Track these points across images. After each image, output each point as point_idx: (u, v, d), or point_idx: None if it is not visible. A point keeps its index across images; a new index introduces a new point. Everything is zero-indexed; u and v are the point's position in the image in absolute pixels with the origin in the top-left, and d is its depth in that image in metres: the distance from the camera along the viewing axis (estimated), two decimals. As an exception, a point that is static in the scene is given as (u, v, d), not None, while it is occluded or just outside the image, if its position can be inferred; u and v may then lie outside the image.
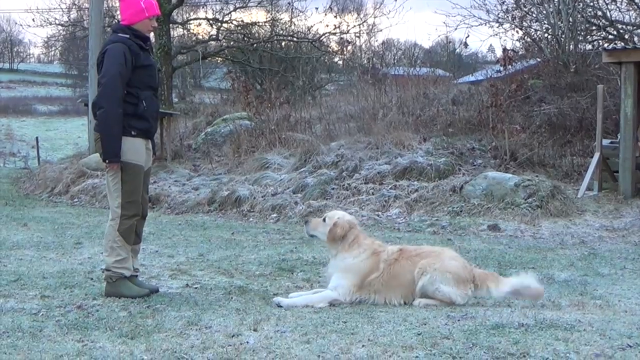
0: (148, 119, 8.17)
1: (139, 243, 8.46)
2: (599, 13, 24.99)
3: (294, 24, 36.35)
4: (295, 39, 34.56)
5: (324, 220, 8.10)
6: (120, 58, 7.92)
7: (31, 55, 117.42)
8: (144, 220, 8.50)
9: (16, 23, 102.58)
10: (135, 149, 8.07)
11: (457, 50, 43.88)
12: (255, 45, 33.74)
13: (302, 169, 17.56)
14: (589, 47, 24.82)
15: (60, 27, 37.07)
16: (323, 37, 34.30)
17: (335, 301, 7.69)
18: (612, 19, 24.77)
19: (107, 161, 7.96)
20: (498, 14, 26.48)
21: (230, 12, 34.18)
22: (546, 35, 25.22)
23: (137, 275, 8.39)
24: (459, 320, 6.99)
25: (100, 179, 20.40)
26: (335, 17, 34.38)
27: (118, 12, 35.19)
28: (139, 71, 8.07)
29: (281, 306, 7.59)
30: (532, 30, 26.57)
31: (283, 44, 35.00)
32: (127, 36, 8.12)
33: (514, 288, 7.75)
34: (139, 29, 8.23)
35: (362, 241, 7.95)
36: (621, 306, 7.77)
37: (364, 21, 39.35)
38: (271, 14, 35.84)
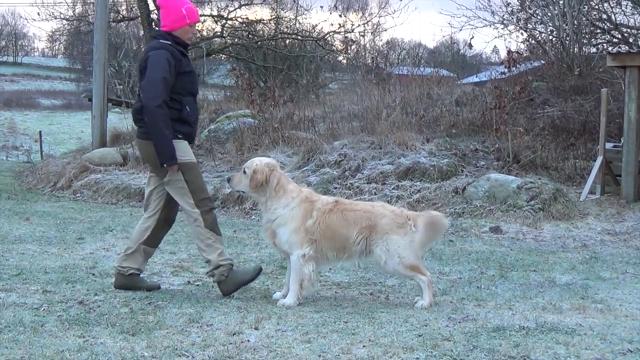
0: (191, 123, 8.28)
1: (155, 247, 8.54)
2: (604, 16, 24.98)
3: (299, 22, 36.31)
4: (299, 37, 34.51)
5: (244, 171, 8.09)
6: (163, 63, 7.98)
7: (35, 49, 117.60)
8: (169, 227, 8.57)
9: (21, 16, 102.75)
10: (185, 149, 8.15)
11: (462, 51, 43.93)
12: (259, 42, 33.69)
13: (305, 168, 17.57)
14: (594, 50, 24.81)
15: (65, 22, 36.95)
16: (327, 35, 34.24)
17: (303, 257, 7.74)
18: (617, 22, 24.75)
19: (165, 165, 8.00)
20: (503, 15, 26.49)
21: (235, 10, 34.12)
22: (551, 37, 25.21)
23: (139, 274, 8.40)
24: (460, 322, 7.01)
25: (103, 174, 20.40)
26: (340, 15, 34.27)
27: (123, 8, 35.30)
28: (181, 77, 8.14)
29: (290, 305, 7.61)
30: (537, 32, 26.56)
31: (287, 42, 34.93)
32: (169, 42, 8.18)
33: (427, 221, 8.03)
34: (180, 35, 8.30)
35: (287, 186, 8.00)
36: (622, 310, 7.78)
37: (369, 20, 39.35)
38: (276, 12, 35.80)
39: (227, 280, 8.11)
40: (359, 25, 36.53)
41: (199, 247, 8.31)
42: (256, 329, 6.70)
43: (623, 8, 25.16)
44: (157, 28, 9.47)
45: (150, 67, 8.02)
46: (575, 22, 23.32)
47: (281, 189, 7.93)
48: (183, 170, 8.07)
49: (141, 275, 8.50)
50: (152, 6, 30.65)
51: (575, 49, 23.36)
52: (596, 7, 25.11)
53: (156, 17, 30.46)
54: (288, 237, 7.82)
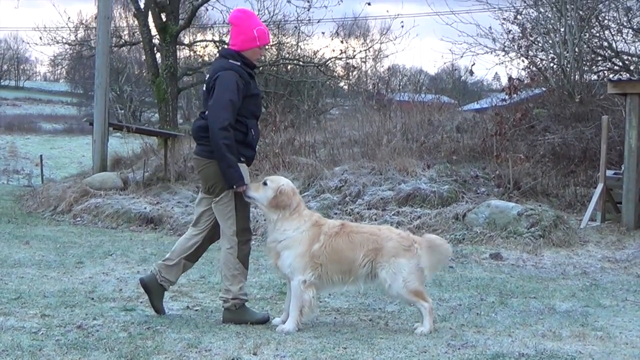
0: (254, 147, 8.26)
1: (193, 263, 8.62)
2: (605, 44, 25.04)
3: (300, 48, 36.43)
4: (301, 63, 34.59)
5: (265, 183, 8.04)
6: (232, 85, 7.92)
7: (37, 73, 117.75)
8: (208, 246, 8.60)
9: (23, 41, 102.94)
10: (245, 175, 8.08)
11: (463, 77, 44.05)
12: (261, 68, 33.78)
13: (305, 193, 17.55)
14: (595, 77, 24.84)
15: (67, 46, 37.07)
16: (329, 61, 34.34)
17: (304, 283, 7.71)
18: (618, 50, 24.80)
19: (235, 187, 7.94)
20: (504, 42, 26.51)
21: (236, 35, 34.25)
22: (552, 64, 25.25)
23: (165, 288, 8.47)
24: (459, 348, 6.99)
25: (104, 198, 20.38)
26: (342, 42, 34.35)
27: (125, 33, 35.43)
28: (248, 100, 8.09)
29: (289, 331, 7.58)
30: (538, 59, 26.60)
31: (289, 67, 35.02)
32: (238, 63, 8.12)
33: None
34: (249, 56, 8.24)
35: (302, 211, 7.99)
36: (622, 338, 7.76)
37: (370, 47, 39.47)
38: (277, 38, 35.91)
39: (235, 313, 8.10)
40: (361, 51, 36.68)
41: (223, 274, 8.25)
42: (255, 354, 6.68)
43: (624, 36, 25.23)
44: (225, 46, 9.42)
45: (219, 88, 7.94)
46: (577, 49, 23.37)
47: (296, 212, 7.93)
48: (237, 195, 8.03)
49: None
50: (154, 31, 30.75)
51: (576, 76, 23.39)
52: (597, 34, 25.18)
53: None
54: (292, 262, 7.79)
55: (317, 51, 35.67)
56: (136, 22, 32.71)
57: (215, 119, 7.89)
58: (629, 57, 25.10)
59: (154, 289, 8.29)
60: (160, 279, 8.29)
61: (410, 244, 7.88)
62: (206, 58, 35.73)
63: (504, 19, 26.43)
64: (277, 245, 7.92)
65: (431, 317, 7.81)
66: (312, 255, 7.77)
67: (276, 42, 35.48)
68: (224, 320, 8.12)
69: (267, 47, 8.44)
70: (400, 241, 7.88)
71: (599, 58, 25.56)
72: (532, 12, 25.99)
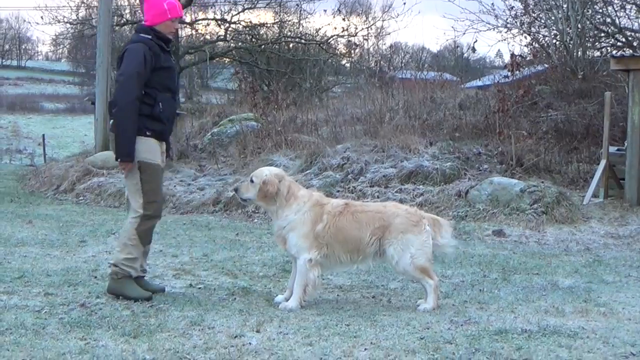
0: (163, 120, 8.16)
1: (149, 244, 8.46)
2: (608, 20, 24.98)
3: (302, 26, 36.35)
4: (303, 41, 34.53)
5: (252, 180, 8.02)
6: (139, 58, 7.92)
7: (39, 53, 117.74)
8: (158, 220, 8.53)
9: (24, 20, 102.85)
10: (150, 148, 8.06)
11: (465, 54, 43.91)
12: (262, 46, 33.69)
13: (307, 171, 17.56)
14: (597, 54, 24.83)
15: (68, 25, 36.99)
16: (331, 39, 34.28)
17: (309, 262, 7.70)
18: (621, 26, 24.74)
19: (119, 160, 7.97)
20: (506, 19, 26.50)
21: (238, 13, 34.16)
22: (554, 41, 25.21)
23: (144, 276, 8.39)
24: (462, 325, 6.99)
25: (106, 177, 20.43)
26: (344, 19, 34.27)
27: (127, 11, 35.33)
28: (158, 72, 8.07)
29: (292, 309, 7.58)
30: (541, 36, 26.58)
31: (291, 45, 34.95)
32: (149, 37, 8.12)
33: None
34: (161, 30, 8.24)
35: (298, 193, 7.97)
36: (625, 314, 7.76)
37: (372, 24, 39.37)
38: (279, 16, 35.83)
39: (118, 282, 8.01)
40: (362, 28, 36.61)
41: (118, 240, 8.31)
42: (258, 331, 6.68)
43: (627, 12, 25.20)
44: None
45: (126, 60, 7.98)
46: (579, 25, 23.32)
47: (292, 197, 7.90)
48: (142, 169, 8.00)
49: (146, 278, 8.49)
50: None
51: (579, 52, 23.37)
52: (600, 10, 25.11)
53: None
54: (296, 241, 7.78)
55: (319, 29, 35.70)
56: (137, 1, 32.60)
57: (119, 90, 7.95)
58: (632, 33, 25.04)
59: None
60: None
61: (418, 220, 7.87)
62: (208, 36, 35.65)
63: (507, -5, 26.39)
64: (282, 232, 7.91)
65: (436, 294, 7.80)
66: (316, 234, 7.76)
67: (278, 20, 35.41)
68: (107, 289, 8.09)
69: (179, 19, 8.40)
70: (408, 217, 7.86)
71: (602, 34, 25.52)
72: (535, -11, 25.93)
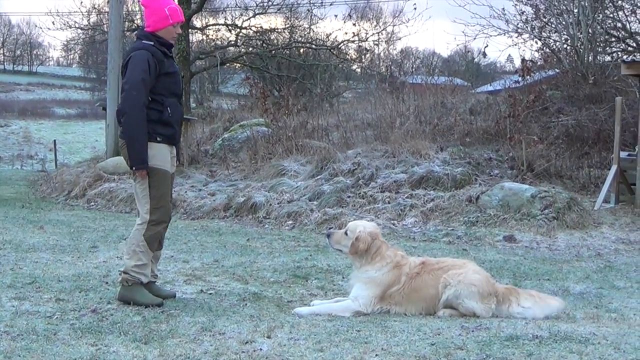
0: (173, 125, 8.16)
1: (160, 249, 8.47)
2: (619, 25, 24.94)
3: (313, 31, 36.41)
4: (313, 46, 34.55)
5: (346, 233, 8.01)
6: (143, 65, 7.91)
7: (50, 58, 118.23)
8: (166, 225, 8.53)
9: (36, 26, 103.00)
10: (161, 154, 8.07)
11: (476, 59, 43.89)
12: (273, 51, 33.75)
13: (318, 177, 17.56)
14: (608, 58, 24.77)
15: (79, 31, 37.07)
16: (341, 44, 34.30)
17: (356, 312, 7.66)
18: (632, 30, 24.71)
19: (134, 168, 7.97)
20: (517, 24, 26.47)
21: (249, 19, 34.19)
22: (565, 46, 25.18)
23: (155, 281, 8.40)
24: (473, 331, 6.98)
25: (117, 182, 20.48)
26: (354, 24, 34.32)
27: (138, 17, 35.38)
28: (163, 78, 8.08)
29: (302, 316, 7.57)
30: (551, 41, 26.54)
31: (301, 50, 35.00)
32: (152, 43, 8.11)
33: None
34: (163, 35, 8.23)
35: (385, 253, 7.90)
36: (636, 320, 7.74)
37: (383, 29, 39.42)
38: (290, 21, 35.87)
39: (128, 289, 8.01)
40: (373, 34, 36.60)
41: (126, 247, 8.31)
42: (269, 337, 6.68)
43: (638, 16, 25.14)
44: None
45: (130, 67, 7.97)
46: (590, 30, 23.28)
47: (378, 255, 7.87)
48: (151, 174, 8.00)
49: (157, 284, 8.50)
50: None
51: (590, 57, 23.33)
52: (611, 15, 25.08)
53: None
54: (362, 294, 7.75)
55: (330, 34, 35.72)
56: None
57: (126, 98, 7.93)
58: (643, 38, 24.98)
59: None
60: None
61: (489, 292, 7.73)
62: (218, 42, 35.69)
63: (517, 0, 26.36)
64: (356, 279, 7.93)
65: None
66: (389, 295, 7.76)
67: (289, 25, 35.43)
68: (118, 297, 8.09)
69: (180, 24, 8.41)
70: (480, 285, 7.72)
71: (613, 39, 25.47)
72: (546, -7, 25.90)
